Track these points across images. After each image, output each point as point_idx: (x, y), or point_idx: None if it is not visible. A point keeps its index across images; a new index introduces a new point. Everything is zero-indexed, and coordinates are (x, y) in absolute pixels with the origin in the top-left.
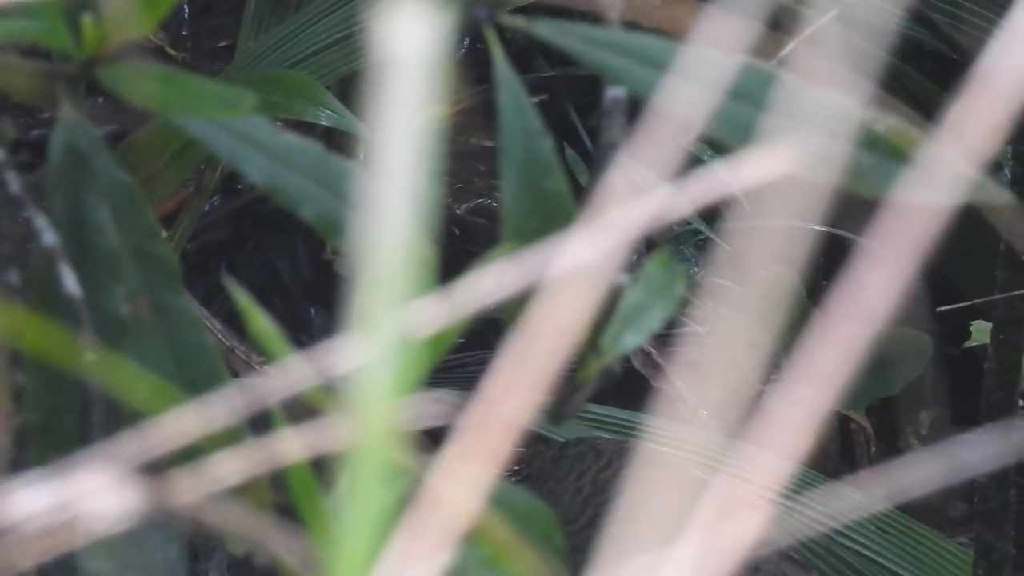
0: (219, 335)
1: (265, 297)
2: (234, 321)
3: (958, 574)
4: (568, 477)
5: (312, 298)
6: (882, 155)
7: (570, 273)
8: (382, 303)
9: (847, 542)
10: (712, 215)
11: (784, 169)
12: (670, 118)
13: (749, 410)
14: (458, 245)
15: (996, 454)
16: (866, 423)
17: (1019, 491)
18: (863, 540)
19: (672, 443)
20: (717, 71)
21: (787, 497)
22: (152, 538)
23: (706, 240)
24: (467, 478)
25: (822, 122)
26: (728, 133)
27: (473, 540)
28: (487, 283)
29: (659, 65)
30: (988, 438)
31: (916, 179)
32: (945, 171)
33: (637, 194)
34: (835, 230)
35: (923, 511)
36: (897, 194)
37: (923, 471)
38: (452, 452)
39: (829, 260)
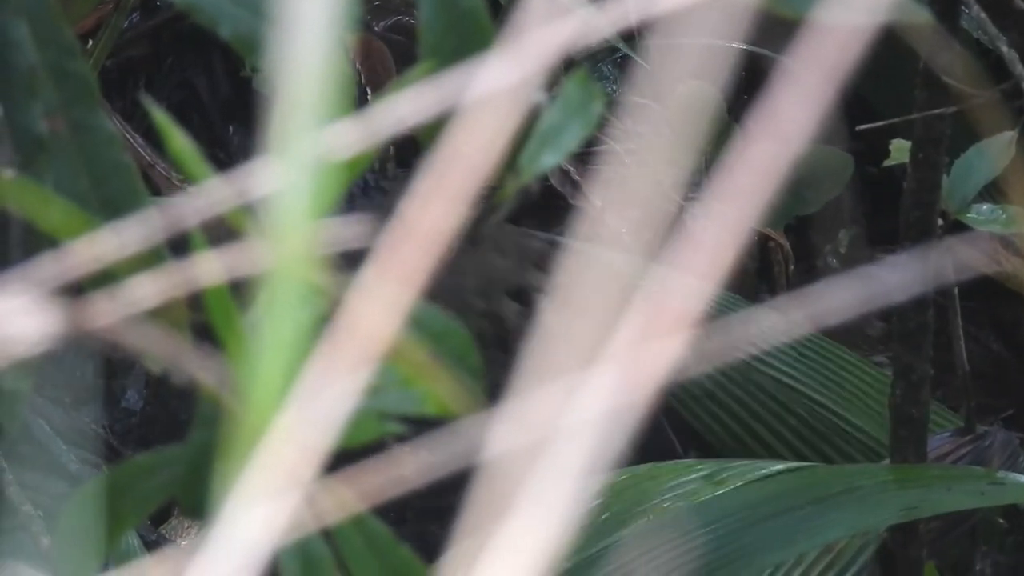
0: (141, 150)
1: (183, 114)
2: (154, 137)
3: (877, 396)
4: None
5: (230, 115)
6: None
7: (489, 93)
8: (298, 124)
9: (766, 368)
10: (631, 33)
11: None
12: None
13: (669, 228)
14: None
15: (916, 278)
16: (784, 241)
17: (937, 311)
18: (782, 367)
19: (591, 262)
20: None
21: (707, 320)
22: (69, 356)
23: (625, 57)
24: (385, 298)
25: None
26: None
27: (390, 360)
28: (405, 104)
29: None
30: (907, 261)
31: None
32: None
33: (557, 13)
34: (757, 49)
35: (841, 331)
36: (818, 13)
37: (842, 296)
38: (370, 272)
39: (751, 79)
